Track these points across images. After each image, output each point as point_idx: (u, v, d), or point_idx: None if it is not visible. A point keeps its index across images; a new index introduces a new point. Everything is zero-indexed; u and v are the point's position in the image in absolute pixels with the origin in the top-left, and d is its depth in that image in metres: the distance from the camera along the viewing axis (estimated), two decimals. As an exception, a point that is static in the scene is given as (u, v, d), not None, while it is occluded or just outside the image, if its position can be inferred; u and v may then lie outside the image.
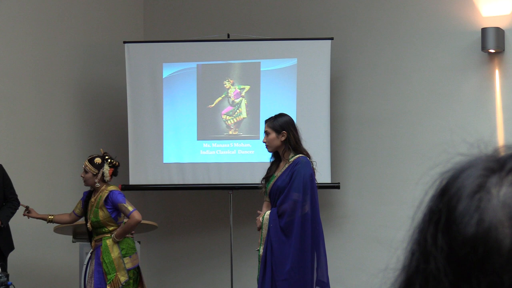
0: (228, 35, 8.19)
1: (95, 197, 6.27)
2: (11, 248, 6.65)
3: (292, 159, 5.80)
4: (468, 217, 0.80)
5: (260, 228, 5.81)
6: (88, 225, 6.25)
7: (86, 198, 6.37)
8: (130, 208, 6.15)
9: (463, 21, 7.54)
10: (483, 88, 7.44)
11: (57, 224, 6.93)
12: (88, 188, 6.41)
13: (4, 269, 6.39)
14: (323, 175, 7.76)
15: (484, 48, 7.33)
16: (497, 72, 7.41)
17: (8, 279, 6.20)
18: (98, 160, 6.31)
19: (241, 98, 8.03)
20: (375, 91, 7.94)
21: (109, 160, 6.33)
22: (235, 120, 8.02)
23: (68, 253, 7.35)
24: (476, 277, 0.78)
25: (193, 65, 8.09)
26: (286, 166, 5.82)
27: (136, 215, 6.13)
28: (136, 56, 8.09)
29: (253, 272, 8.44)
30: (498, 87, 7.39)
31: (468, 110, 7.49)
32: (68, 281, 7.57)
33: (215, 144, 8.03)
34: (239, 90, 8.04)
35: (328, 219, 8.16)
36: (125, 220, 6.25)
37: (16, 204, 6.66)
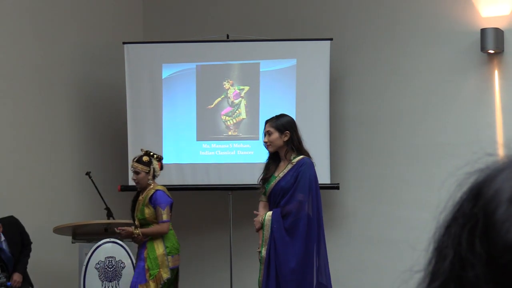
0: (228, 36, 8.19)
1: (142, 195, 6.34)
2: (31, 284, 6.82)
3: (295, 160, 5.75)
4: (509, 223, 0.76)
5: (259, 229, 5.79)
6: (136, 222, 6.32)
7: (134, 198, 6.43)
8: (165, 217, 6.22)
9: (462, 22, 7.54)
10: (482, 88, 7.44)
11: (57, 225, 6.94)
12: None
13: (4, 270, 6.40)
14: (322, 176, 7.76)
15: (483, 48, 7.33)
16: (496, 72, 7.41)
17: (7, 280, 6.20)
18: (146, 158, 6.37)
19: (240, 99, 8.03)
20: (374, 91, 7.94)
21: (155, 156, 6.40)
22: (235, 121, 8.02)
23: (68, 254, 7.35)
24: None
25: (193, 65, 8.09)
26: (289, 167, 5.76)
27: (165, 228, 6.23)
28: (135, 56, 8.10)
29: (252, 272, 8.43)
30: (497, 88, 7.39)
31: (468, 111, 7.49)
32: (67, 282, 7.56)
33: (214, 144, 8.03)
34: (238, 91, 8.04)
35: (327, 219, 8.14)
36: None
37: (30, 250, 6.83)
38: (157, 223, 6.28)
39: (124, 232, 6.31)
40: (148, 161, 6.36)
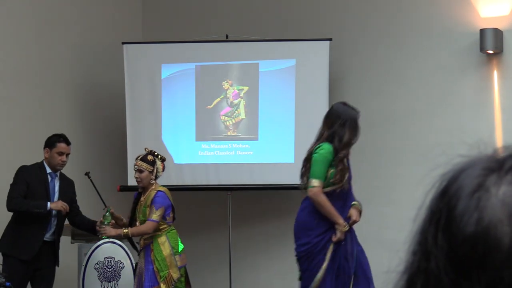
0: (227, 36, 8.19)
1: (144, 196, 6.35)
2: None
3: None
4: (467, 216, 0.80)
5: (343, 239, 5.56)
6: (138, 223, 6.34)
7: (135, 200, 6.43)
8: (153, 217, 6.22)
9: (461, 22, 7.55)
10: (481, 89, 7.44)
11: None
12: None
13: (5, 270, 6.40)
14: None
15: (482, 49, 7.33)
16: (495, 73, 7.41)
17: (6, 280, 6.20)
18: (150, 157, 6.39)
19: (239, 99, 8.03)
20: (373, 92, 7.95)
21: (159, 156, 6.42)
22: (234, 121, 8.02)
23: (67, 254, 7.34)
24: (477, 274, 0.79)
25: (192, 66, 8.09)
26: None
27: (151, 227, 6.22)
28: (134, 57, 8.10)
29: (251, 272, 8.44)
30: (496, 88, 7.40)
31: (467, 111, 7.49)
32: (66, 282, 7.56)
33: (213, 145, 8.03)
34: (237, 91, 8.04)
35: (326, 220, 8.16)
36: (168, 221, 6.38)
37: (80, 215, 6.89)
38: (164, 222, 6.32)
39: (104, 231, 6.33)
40: (152, 160, 6.37)
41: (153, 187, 6.35)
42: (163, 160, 6.45)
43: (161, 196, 6.31)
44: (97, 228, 6.50)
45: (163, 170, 6.45)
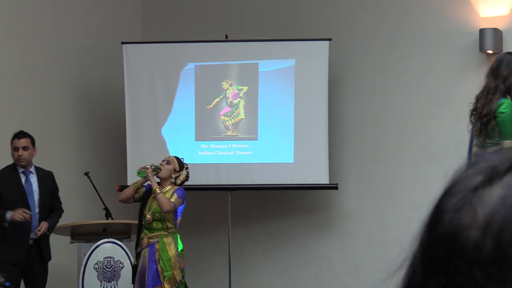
0: (226, 36, 8.19)
1: (162, 190, 6.35)
2: (50, 257, 6.77)
3: None
4: (443, 216, 0.79)
5: None
6: (149, 216, 6.33)
7: (148, 192, 6.42)
8: (173, 200, 6.29)
9: (461, 22, 7.55)
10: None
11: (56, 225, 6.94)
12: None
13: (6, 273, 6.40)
14: (321, 176, 7.77)
15: (482, 49, 7.33)
16: (495, 73, 7.40)
17: (6, 280, 6.20)
18: (182, 162, 6.56)
19: (239, 99, 8.03)
20: (373, 92, 7.95)
21: (188, 170, 6.55)
22: (233, 121, 8.02)
23: (66, 254, 7.35)
24: (437, 276, 0.77)
25: (191, 66, 8.09)
26: None
27: (171, 206, 6.25)
28: (134, 57, 8.09)
29: (251, 272, 8.44)
30: (496, 88, 7.39)
31: (466, 111, 7.48)
32: (66, 282, 7.56)
33: (213, 145, 8.03)
34: (237, 91, 8.04)
35: (326, 219, 8.16)
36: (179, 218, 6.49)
37: (61, 213, 6.86)
38: (170, 220, 6.36)
39: (146, 171, 6.32)
40: (182, 165, 6.53)
41: (169, 187, 6.42)
42: (188, 176, 6.55)
43: (182, 191, 6.43)
44: (141, 168, 6.43)
45: (185, 181, 6.54)
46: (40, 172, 6.78)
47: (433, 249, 0.78)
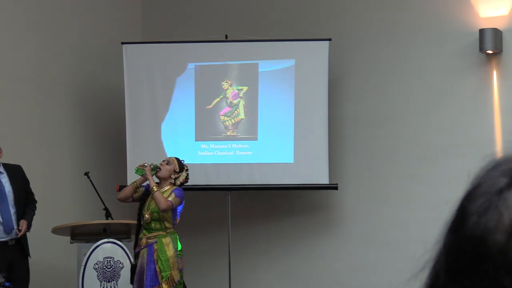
0: (226, 36, 8.19)
1: (160, 190, 6.35)
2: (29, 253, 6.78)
3: None
4: (468, 219, 0.78)
5: None
6: (147, 215, 6.33)
7: (147, 192, 6.42)
8: (170, 199, 6.27)
9: (461, 22, 7.55)
10: (481, 89, 7.44)
11: (55, 225, 6.93)
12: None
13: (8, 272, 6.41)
14: (321, 176, 7.77)
15: (482, 49, 7.33)
16: (495, 73, 7.41)
17: (5, 280, 6.20)
18: (183, 164, 6.54)
19: (239, 99, 8.03)
20: (373, 92, 7.95)
21: (187, 172, 6.53)
22: (233, 121, 8.02)
23: (66, 254, 7.35)
24: (461, 279, 0.76)
25: (191, 66, 8.09)
26: None
27: (167, 204, 6.23)
28: (134, 57, 8.09)
29: (251, 272, 8.44)
30: (495, 88, 7.40)
31: (466, 111, 7.49)
32: (66, 282, 7.56)
33: (213, 145, 8.03)
34: (237, 91, 8.04)
35: (326, 220, 8.16)
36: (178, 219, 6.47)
37: (35, 205, 6.81)
38: (172, 221, 6.36)
39: (144, 168, 6.31)
40: (183, 166, 6.51)
41: (168, 188, 6.41)
42: (187, 178, 6.54)
43: (181, 191, 6.42)
44: (139, 165, 6.42)
45: (184, 182, 6.52)
46: (9, 168, 6.72)
47: (457, 252, 0.77)
